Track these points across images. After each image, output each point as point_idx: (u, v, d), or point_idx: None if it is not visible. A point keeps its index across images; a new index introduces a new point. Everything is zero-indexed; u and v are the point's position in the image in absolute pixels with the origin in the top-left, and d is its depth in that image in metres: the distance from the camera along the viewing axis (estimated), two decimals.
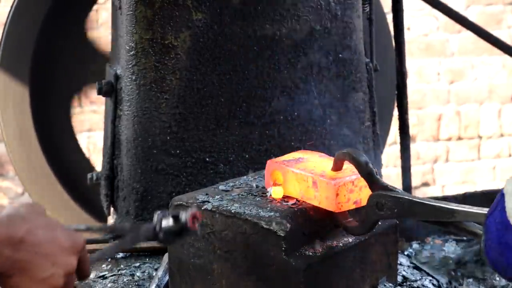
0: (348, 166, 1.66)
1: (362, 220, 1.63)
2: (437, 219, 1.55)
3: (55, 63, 3.16)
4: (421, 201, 1.56)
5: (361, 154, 1.63)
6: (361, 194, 1.65)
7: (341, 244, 1.69)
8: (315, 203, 1.67)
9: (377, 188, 1.61)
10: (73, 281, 1.39)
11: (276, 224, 1.60)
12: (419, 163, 5.39)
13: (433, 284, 1.96)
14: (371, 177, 1.61)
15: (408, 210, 1.56)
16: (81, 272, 1.42)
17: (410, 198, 1.56)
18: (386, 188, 1.60)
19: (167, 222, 1.54)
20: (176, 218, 1.53)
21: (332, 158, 1.69)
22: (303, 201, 1.69)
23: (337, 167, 1.68)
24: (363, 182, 1.63)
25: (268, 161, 1.78)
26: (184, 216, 1.53)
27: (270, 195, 1.73)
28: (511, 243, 1.31)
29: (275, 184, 1.74)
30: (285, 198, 1.72)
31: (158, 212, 1.56)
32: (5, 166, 4.77)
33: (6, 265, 1.30)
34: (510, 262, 1.33)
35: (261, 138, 2.38)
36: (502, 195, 1.33)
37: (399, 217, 1.61)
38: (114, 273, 2.10)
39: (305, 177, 1.68)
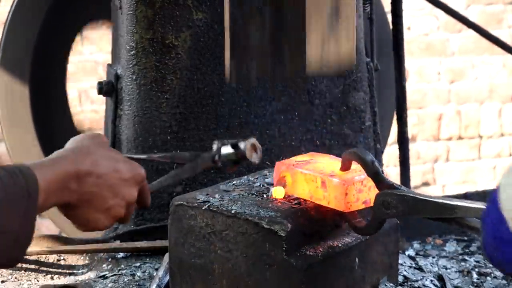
0: (357, 166, 1.66)
1: (370, 219, 1.63)
2: (440, 215, 1.55)
3: (55, 62, 3.16)
4: (425, 198, 1.56)
5: (367, 153, 1.62)
6: (370, 194, 1.64)
7: (342, 244, 1.69)
8: (324, 203, 1.66)
9: (384, 187, 1.60)
10: (132, 210, 1.45)
11: (277, 224, 1.60)
12: (420, 163, 5.39)
13: (434, 284, 1.96)
14: (377, 176, 1.61)
15: (413, 208, 1.57)
16: (142, 202, 1.49)
17: (415, 196, 1.57)
18: (392, 186, 1.60)
19: (226, 150, 1.57)
20: (235, 146, 1.57)
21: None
22: (305, 201, 1.69)
23: (345, 167, 1.67)
24: (372, 182, 1.62)
25: (277, 162, 1.77)
26: (243, 145, 1.55)
27: (271, 195, 1.72)
28: (505, 237, 1.31)
29: (277, 185, 1.74)
30: (287, 198, 1.72)
31: (217, 141, 1.61)
32: None
33: (73, 198, 1.35)
34: (506, 257, 1.32)
35: (261, 138, 2.38)
36: (497, 189, 1.33)
37: (405, 215, 1.61)
38: (114, 273, 2.10)
39: (314, 177, 1.68)
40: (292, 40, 1.93)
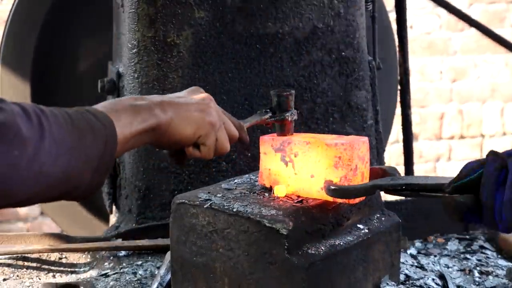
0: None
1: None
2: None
3: (57, 61, 3.16)
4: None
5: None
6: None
7: (343, 243, 1.69)
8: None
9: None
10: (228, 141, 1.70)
11: (278, 223, 1.60)
12: (422, 162, 5.39)
13: (436, 283, 1.96)
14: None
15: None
16: (241, 138, 1.76)
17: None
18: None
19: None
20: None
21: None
22: (307, 200, 1.69)
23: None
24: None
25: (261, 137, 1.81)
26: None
27: (273, 193, 1.72)
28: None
29: (276, 183, 1.74)
30: (288, 196, 1.72)
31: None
32: None
33: (159, 120, 1.54)
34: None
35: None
36: None
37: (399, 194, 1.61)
38: (116, 271, 2.10)
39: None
40: None
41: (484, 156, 1.43)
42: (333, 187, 1.64)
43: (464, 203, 1.43)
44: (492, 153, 1.41)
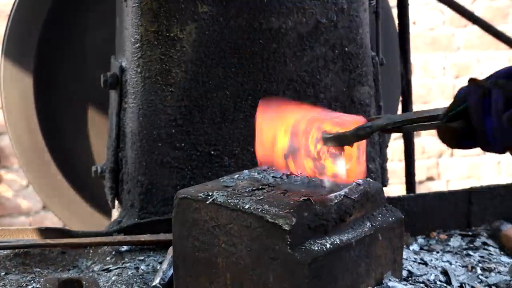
0: None
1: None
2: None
3: (60, 54, 3.15)
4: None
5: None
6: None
7: (346, 239, 1.69)
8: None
9: None
10: None
11: (281, 218, 1.60)
12: (424, 158, 5.38)
13: (439, 279, 1.96)
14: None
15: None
16: None
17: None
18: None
19: None
20: None
21: None
22: (309, 196, 1.69)
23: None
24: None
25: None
26: None
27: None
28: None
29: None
30: (289, 193, 1.72)
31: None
32: (9, 158, 4.78)
33: None
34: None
35: None
36: None
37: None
38: (118, 266, 2.10)
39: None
40: None
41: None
42: (327, 135, 1.63)
43: (458, 128, 1.46)
44: (472, 83, 1.41)
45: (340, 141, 1.62)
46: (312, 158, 1.70)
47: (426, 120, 1.54)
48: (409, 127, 1.58)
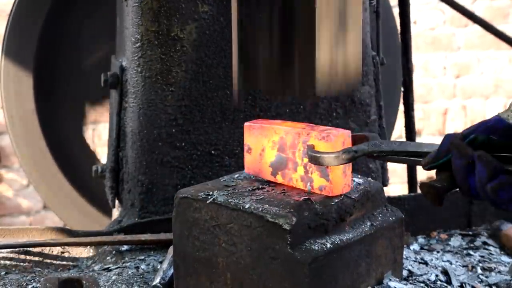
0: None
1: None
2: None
3: (60, 52, 3.15)
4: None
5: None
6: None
7: (346, 238, 1.69)
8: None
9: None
10: None
11: (281, 218, 1.59)
12: None
13: (439, 279, 1.96)
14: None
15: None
16: None
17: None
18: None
19: None
20: None
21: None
22: (309, 195, 1.69)
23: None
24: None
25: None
26: None
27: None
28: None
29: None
30: (290, 192, 1.72)
31: None
32: (10, 157, 4.77)
33: None
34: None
35: None
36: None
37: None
38: (118, 265, 2.10)
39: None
40: (302, 54, 1.91)
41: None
42: (311, 153, 1.64)
43: (441, 188, 1.46)
44: (455, 146, 1.42)
45: (325, 162, 1.63)
46: (298, 171, 1.72)
47: (411, 155, 1.57)
48: (393, 158, 1.61)
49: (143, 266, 2.07)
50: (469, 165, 1.41)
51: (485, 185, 1.37)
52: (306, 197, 1.67)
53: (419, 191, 2.97)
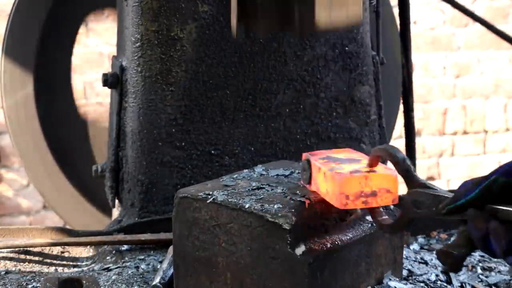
0: (364, 161, 1.61)
1: (397, 217, 1.56)
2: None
3: (60, 54, 3.16)
4: None
5: (398, 150, 1.54)
6: (379, 196, 1.57)
7: (346, 238, 1.69)
8: (327, 199, 1.61)
9: (415, 185, 1.51)
10: None
11: (281, 217, 1.59)
12: (425, 157, 5.38)
13: (439, 279, 1.96)
14: (408, 173, 1.52)
15: None
16: None
17: (449, 196, 1.47)
18: (424, 185, 1.51)
19: None
20: None
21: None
22: (310, 195, 1.68)
23: (373, 163, 1.59)
24: (379, 181, 1.56)
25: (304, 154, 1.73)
26: None
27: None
28: None
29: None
30: (290, 192, 1.72)
31: None
32: (10, 157, 4.78)
33: None
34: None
35: (266, 131, 2.38)
36: None
37: (438, 216, 1.53)
38: (118, 265, 2.10)
39: (319, 168, 1.64)
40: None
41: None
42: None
43: (460, 255, 1.43)
44: (470, 218, 1.38)
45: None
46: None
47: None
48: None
49: (143, 266, 2.07)
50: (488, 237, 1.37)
51: (506, 256, 1.33)
52: (306, 197, 1.67)
53: None
